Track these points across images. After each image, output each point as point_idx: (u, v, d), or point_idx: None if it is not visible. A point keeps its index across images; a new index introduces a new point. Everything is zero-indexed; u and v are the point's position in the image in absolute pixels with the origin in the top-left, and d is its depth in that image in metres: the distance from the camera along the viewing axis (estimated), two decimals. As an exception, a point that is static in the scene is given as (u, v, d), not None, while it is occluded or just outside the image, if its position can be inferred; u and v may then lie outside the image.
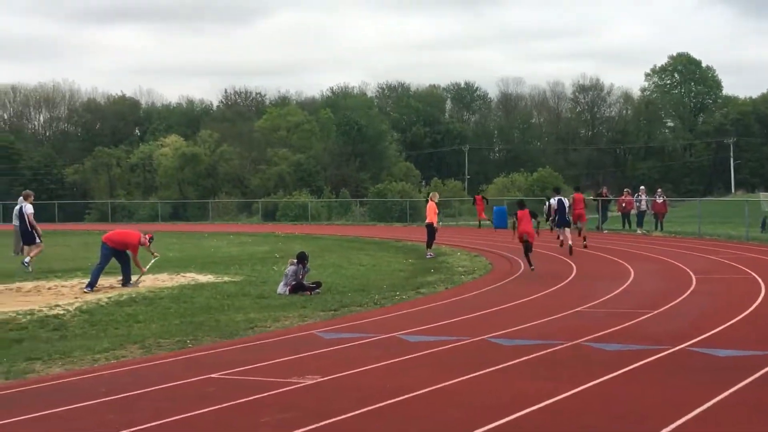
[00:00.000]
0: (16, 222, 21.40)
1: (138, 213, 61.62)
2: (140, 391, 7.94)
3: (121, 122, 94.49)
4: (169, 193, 70.98)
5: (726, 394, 7.35)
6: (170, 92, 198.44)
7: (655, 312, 12.49)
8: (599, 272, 18.79)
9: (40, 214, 25.79)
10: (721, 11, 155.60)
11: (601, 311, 12.86)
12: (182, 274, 19.37)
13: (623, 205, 35.23)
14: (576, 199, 26.73)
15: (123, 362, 9.56)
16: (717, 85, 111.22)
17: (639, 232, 32.70)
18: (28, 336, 11.43)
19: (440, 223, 26.14)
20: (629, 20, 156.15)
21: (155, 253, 17.98)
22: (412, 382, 8.00)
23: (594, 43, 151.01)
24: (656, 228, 33.06)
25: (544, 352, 9.48)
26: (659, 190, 36.64)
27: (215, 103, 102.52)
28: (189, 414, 7.03)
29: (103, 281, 16.96)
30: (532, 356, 9.24)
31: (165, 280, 18.05)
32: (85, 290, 16.06)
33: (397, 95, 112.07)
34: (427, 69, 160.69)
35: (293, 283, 15.56)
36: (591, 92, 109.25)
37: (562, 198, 25.08)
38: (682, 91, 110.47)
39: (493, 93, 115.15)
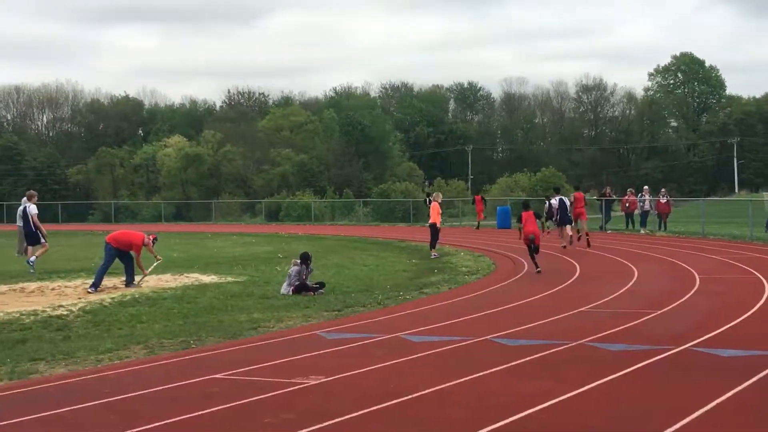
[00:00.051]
0: (19, 223, 21.37)
1: (141, 213, 61.73)
2: (144, 391, 7.94)
3: (124, 123, 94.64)
4: (172, 193, 71.03)
5: (730, 394, 7.33)
6: (173, 93, 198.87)
7: (659, 312, 12.47)
8: (603, 272, 18.77)
9: (44, 215, 25.82)
10: (725, 11, 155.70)
11: (604, 311, 12.84)
12: (185, 274, 19.37)
13: (627, 205, 35.20)
14: (577, 197, 26.74)
15: (126, 363, 9.56)
16: (720, 84, 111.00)
17: (642, 232, 32.67)
18: (32, 336, 11.42)
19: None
20: (632, 20, 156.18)
21: (158, 257, 17.88)
22: (416, 382, 7.99)
23: (597, 43, 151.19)
24: (660, 228, 33.04)
25: (548, 352, 9.47)
26: (663, 190, 36.67)
27: (218, 104, 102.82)
28: (192, 414, 7.03)
29: (107, 282, 16.96)
30: (535, 356, 9.23)
31: (168, 281, 18.04)
32: (89, 291, 16.07)
33: (400, 95, 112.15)
34: (430, 69, 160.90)
35: (297, 283, 15.56)
36: (594, 92, 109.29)
37: (563, 197, 25.19)
38: (686, 90, 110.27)
39: (496, 93, 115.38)
